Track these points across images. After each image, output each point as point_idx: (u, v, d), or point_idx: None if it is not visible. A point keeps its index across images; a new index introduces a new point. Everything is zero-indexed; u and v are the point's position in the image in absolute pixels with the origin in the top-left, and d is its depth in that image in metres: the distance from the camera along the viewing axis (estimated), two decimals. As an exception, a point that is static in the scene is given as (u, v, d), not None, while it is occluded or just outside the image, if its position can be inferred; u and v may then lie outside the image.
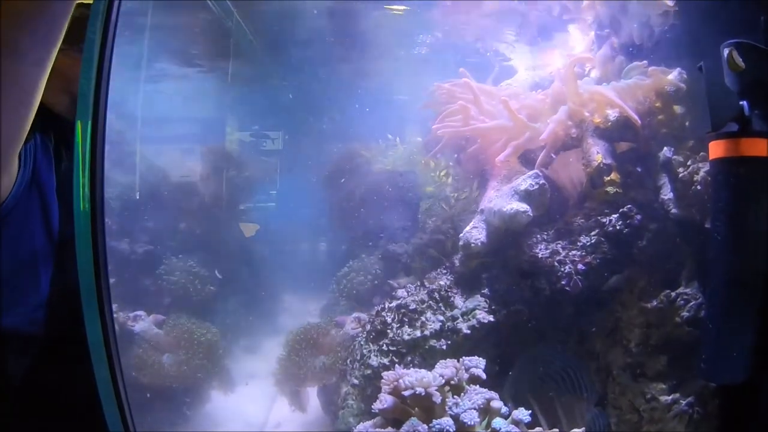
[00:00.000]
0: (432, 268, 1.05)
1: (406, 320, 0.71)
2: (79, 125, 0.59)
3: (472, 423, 0.62)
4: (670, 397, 0.82)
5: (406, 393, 0.59)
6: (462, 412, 0.62)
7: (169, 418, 0.91)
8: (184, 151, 1.40)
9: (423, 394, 0.61)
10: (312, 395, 1.03)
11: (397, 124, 1.29)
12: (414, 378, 0.61)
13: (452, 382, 0.64)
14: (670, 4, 0.87)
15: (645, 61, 0.86)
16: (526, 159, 0.89)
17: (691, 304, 0.81)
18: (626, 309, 0.80)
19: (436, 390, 0.61)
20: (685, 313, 0.80)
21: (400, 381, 0.62)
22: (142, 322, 0.98)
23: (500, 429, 0.65)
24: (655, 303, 0.79)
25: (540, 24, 0.95)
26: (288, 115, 1.44)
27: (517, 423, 0.65)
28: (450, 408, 0.63)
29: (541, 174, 0.72)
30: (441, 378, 0.62)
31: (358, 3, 1.16)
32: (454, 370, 0.64)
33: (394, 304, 0.76)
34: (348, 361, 0.76)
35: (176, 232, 1.17)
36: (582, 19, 0.87)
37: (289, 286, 1.29)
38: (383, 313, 0.76)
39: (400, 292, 0.78)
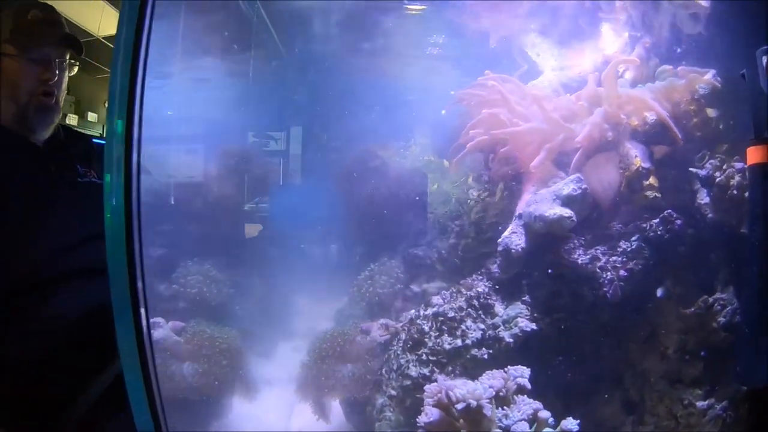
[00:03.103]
0: (458, 272, 1.05)
1: (446, 329, 0.71)
2: (115, 125, 0.57)
3: (524, 434, 0.62)
4: (706, 403, 0.83)
5: (459, 406, 0.59)
6: (513, 424, 0.62)
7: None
8: (192, 151, 1.37)
9: (474, 406, 0.60)
10: (334, 404, 1.02)
11: (414, 124, 1.28)
12: (465, 390, 0.60)
13: (500, 394, 0.64)
14: (705, 4, 0.87)
15: (681, 67, 0.87)
16: (558, 161, 0.89)
17: (727, 309, 0.82)
18: (663, 315, 0.81)
19: (487, 402, 0.61)
20: (721, 319, 0.81)
21: (449, 393, 0.62)
22: (161, 330, 0.96)
23: (551, 439, 0.65)
24: (693, 309, 0.80)
25: (569, 23, 0.95)
26: (304, 114, 1.42)
27: (566, 433, 0.65)
28: (500, 420, 0.62)
29: (582, 178, 0.72)
30: (491, 390, 0.61)
31: (376, 2, 1.14)
32: (502, 381, 0.64)
33: (429, 311, 0.75)
34: (383, 371, 0.75)
35: (189, 235, 1.15)
36: (615, 19, 0.86)
37: (306, 290, 1.27)
38: (418, 321, 0.75)
39: (435, 299, 0.77)
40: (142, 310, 0.56)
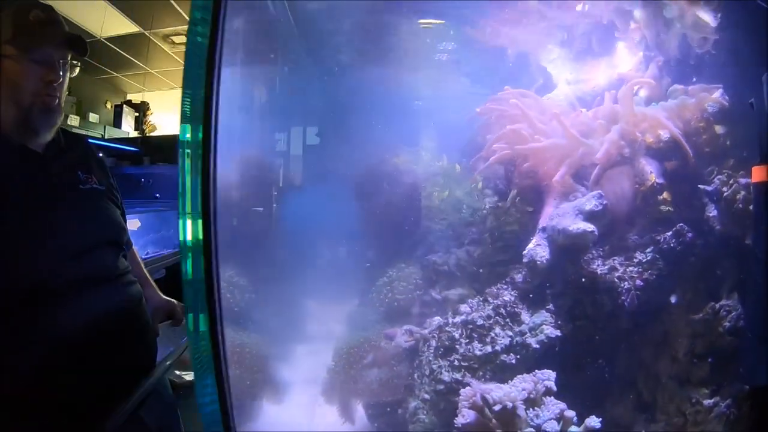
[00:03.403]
0: (477, 280, 1.09)
1: (476, 336, 0.75)
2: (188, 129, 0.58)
3: (554, 433, 0.67)
4: (712, 401, 0.89)
5: (496, 408, 0.63)
6: (543, 423, 0.67)
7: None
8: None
9: (510, 407, 0.65)
10: (359, 407, 1.06)
11: (428, 132, 1.31)
12: (502, 393, 0.65)
13: (531, 396, 0.69)
14: (713, 25, 0.92)
15: (692, 86, 0.92)
16: (576, 174, 0.94)
17: (732, 314, 0.88)
18: (674, 321, 0.87)
19: (521, 403, 0.65)
20: (726, 323, 0.87)
21: (486, 396, 0.66)
22: (190, 337, 0.99)
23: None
24: (701, 315, 0.86)
25: (583, 40, 0.99)
26: (318, 119, 1.45)
27: (590, 431, 0.70)
28: (531, 420, 0.67)
29: (603, 195, 0.77)
30: (524, 392, 0.66)
31: (392, 17, 1.17)
32: (532, 384, 0.69)
33: (458, 319, 0.79)
34: (415, 376, 0.79)
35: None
36: (629, 38, 0.91)
37: (324, 295, 1.30)
38: (447, 329, 0.80)
39: (463, 308, 0.81)
40: (219, 320, 0.57)
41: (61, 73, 1.12)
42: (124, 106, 6.38)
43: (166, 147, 4.09)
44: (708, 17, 0.92)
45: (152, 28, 4.61)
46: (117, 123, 6.07)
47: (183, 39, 5.40)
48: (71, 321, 1.04)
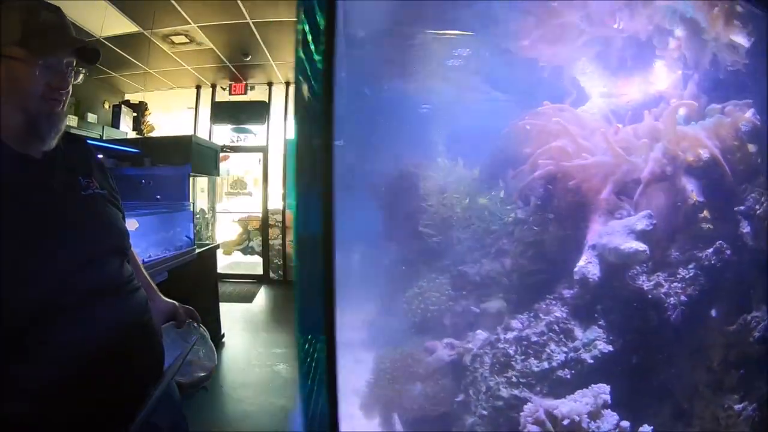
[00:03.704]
0: (514, 291, 1.11)
1: (531, 352, 0.77)
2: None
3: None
4: (741, 405, 0.95)
5: (565, 422, 0.65)
6: None
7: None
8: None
9: (577, 421, 0.67)
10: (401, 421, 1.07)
11: (458, 145, 1.32)
12: (569, 408, 0.67)
13: (591, 409, 0.71)
14: (746, 45, 0.95)
15: (728, 107, 0.95)
16: (619, 191, 0.96)
17: (761, 325, 0.93)
18: (711, 333, 0.91)
19: (586, 416, 0.68)
20: (756, 333, 0.92)
21: (555, 411, 0.68)
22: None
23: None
24: (734, 326, 0.90)
25: (618, 54, 1.02)
26: (345, 128, 1.43)
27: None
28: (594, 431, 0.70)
29: (653, 214, 0.80)
30: (588, 406, 0.68)
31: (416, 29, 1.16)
32: (593, 398, 0.71)
33: (510, 335, 0.81)
34: (470, 392, 0.80)
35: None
36: (668, 56, 0.94)
37: (356, 304, 1.30)
38: (500, 345, 0.81)
39: (515, 324, 0.83)
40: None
41: (69, 80, 1.09)
42: (123, 106, 6.24)
43: (168, 148, 3.99)
44: (741, 39, 0.95)
45: (152, 28, 4.47)
46: (115, 123, 5.96)
47: (183, 39, 5.27)
48: (82, 336, 1.02)
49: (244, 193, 7.87)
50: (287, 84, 7.59)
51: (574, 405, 0.67)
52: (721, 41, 0.95)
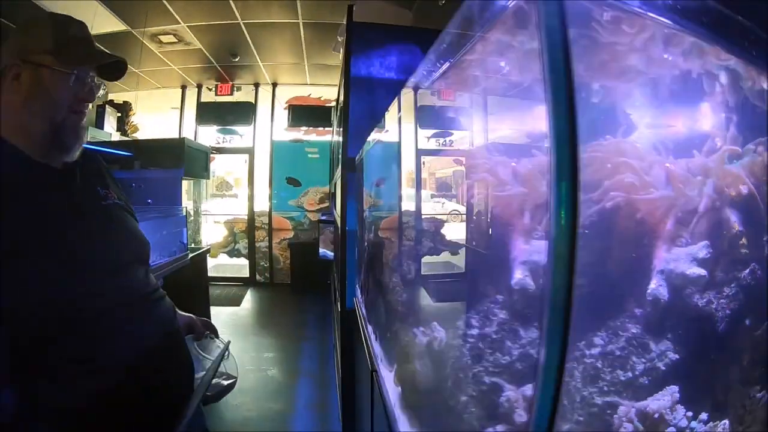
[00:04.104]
0: (592, 311, 1.25)
1: (617, 364, 0.91)
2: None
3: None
4: (761, 394, 1.15)
5: (656, 416, 0.81)
6: (678, 421, 0.86)
7: None
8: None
9: (662, 414, 0.83)
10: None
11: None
12: (658, 405, 0.83)
13: (669, 405, 0.87)
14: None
15: (760, 147, 1.11)
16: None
17: None
18: (743, 338, 1.10)
19: (668, 410, 0.84)
20: None
21: (646, 410, 0.83)
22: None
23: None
24: (759, 331, 1.09)
25: (666, 88, 1.15)
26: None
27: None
28: (671, 421, 0.86)
29: (710, 244, 0.95)
30: (668, 402, 0.84)
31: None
32: (669, 396, 0.87)
33: (594, 351, 0.95)
34: (565, 402, 0.94)
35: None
36: (714, 98, 1.08)
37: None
38: (586, 360, 0.95)
39: (597, 340, 0.97)
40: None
41: (95, 93, 1.12)
42: (107, 106, 5.92)
43: (159, 151, 3.88)
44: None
45: (141, 27, 4.27)
46: (99, 124, 5.69)
47: (171, 39, 5.11)
48: (115, 346, 1.04)
49: (230, 194, 7.79)
50: (274, 85, 7.50)
51: (659, 403, 0.82)
52: (755, 88, 1.11)
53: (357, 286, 2.63)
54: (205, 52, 6.00)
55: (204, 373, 1.34)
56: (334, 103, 7.96)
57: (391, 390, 1.31)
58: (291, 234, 7.85)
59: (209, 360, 1.42)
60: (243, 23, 5.06)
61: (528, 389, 0.90)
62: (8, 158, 0.99)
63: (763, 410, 1.21)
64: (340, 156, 3.67)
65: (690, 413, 0.88)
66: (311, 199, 8.11)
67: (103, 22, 4.44)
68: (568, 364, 1.02)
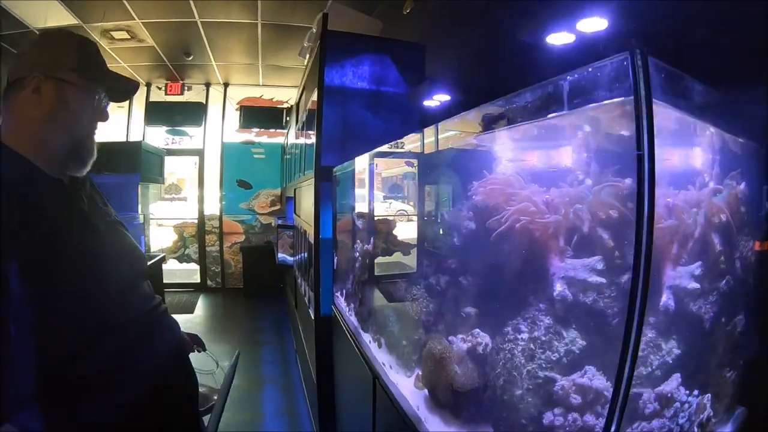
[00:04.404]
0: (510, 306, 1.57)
1: (546, 347, 1.19)
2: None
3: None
4: (729, 374, 1.24)
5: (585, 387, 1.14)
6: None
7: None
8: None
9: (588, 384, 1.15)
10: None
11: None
12: (582, 380, 1.13)
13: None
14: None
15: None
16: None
17: (740, 324, 1.26)
18: (718, 333, 1.20)
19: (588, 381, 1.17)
20: (738, 329, 1.26)
21: (578, 381, 1.14)
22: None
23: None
24: (729, 327, 1.23)
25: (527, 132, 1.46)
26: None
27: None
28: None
29: (602, 258, 1.27)
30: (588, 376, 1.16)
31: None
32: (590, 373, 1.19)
33: (524, 336, 1.25)
34: (515, 374, 1.22)
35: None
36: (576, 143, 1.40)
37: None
38: (521, 343, 1.27)
39: (522, 327, 1.25)
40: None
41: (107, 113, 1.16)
42: None
43: (113, 154, 3.73)
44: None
45: (94, 22, 4.09)
46: None
47: (124, 35, 4.94)
48: (141, 358, 1.10)
49: (179, 198, 7.49)
50: (226, 85, 7.36)
51: (582, 379, 1.04)
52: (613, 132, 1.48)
53: (338, 294, 2.66)
54: (158, 49, 5.84)
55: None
56: (286, 105, 8.03)
57: (411, 393, 1.41)
58: (242, 238, 7.78)
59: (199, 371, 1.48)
60: (200, 21, 5.02)
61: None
62: (24, 172, 0.98)
63: (729, 387, 1.39)
64: (303, 162, 3.76)
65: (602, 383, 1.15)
66: (262, 202, 8.09)
67: (55, 16, 4.24)
68: (507, 345, 1.34)
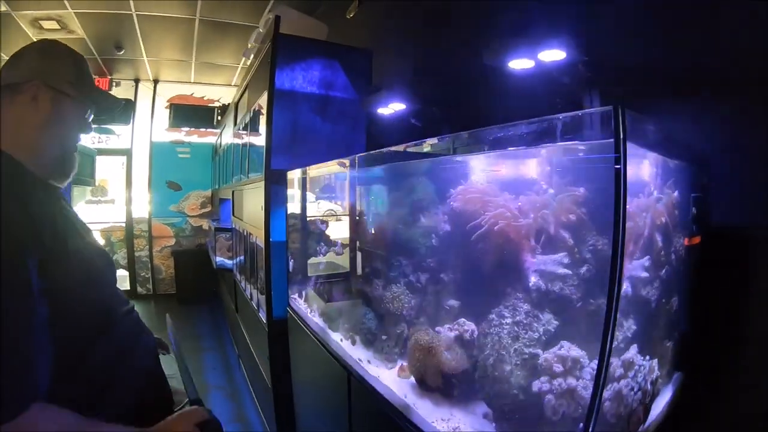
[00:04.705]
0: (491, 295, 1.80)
1: (528, 329, 1.46)
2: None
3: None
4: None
5: (572, 356, 1.38)
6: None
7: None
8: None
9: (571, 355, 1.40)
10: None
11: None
12: (564, 352, 1.39)
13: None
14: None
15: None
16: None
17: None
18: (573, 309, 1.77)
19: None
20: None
21: (560, 352, 1.39)
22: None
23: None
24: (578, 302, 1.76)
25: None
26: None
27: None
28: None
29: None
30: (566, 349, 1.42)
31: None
32: (567, 347, 1.46)
33: (508, 320, 1.49)
34: (503, 353, 1.45)
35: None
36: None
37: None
38: (506, 326, 1.50)
39: (505, 313, 1.51)
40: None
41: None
42: None
43: None
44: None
45: (23, 10, 3.63)
46: None
47: (54, 25, 4.48)
48: (132, 355, 1.15)
49: (107, 200, 6.85)
50: (156, 82, 6.91)
51: (562, 352, 1.30)
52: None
53: (295, 296, 2.68)
54: (88, 42, 5.37)
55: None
56: (218, 104, 7.73)
57: (395, 383, 1.55)
58: (173, 241, 7.39)
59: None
60: (136, 15, 4.73)
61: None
62: (27, 176, 1.03)
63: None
64: (248, 164, 3.69)
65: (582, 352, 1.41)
66: (193, 204, 7.76)
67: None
68: (493, 329, 1.56)
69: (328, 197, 2.73)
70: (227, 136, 5.15)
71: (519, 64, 2.04)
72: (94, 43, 5.47)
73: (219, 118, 7.45)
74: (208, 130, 7.59)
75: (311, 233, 2.57)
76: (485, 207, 1.65)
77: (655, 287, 1.30)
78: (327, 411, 2.06)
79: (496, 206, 1.60)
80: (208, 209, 7.60)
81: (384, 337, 1.77)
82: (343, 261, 2.35)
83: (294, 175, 2.68)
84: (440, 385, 1.52)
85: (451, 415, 1.38)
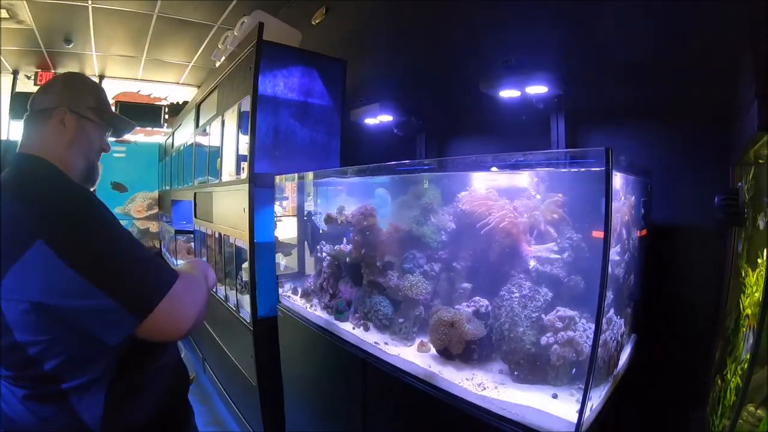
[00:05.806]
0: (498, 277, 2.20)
1: (533, 301, 1.89)
2: None
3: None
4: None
5: (565, 316, 1.81)
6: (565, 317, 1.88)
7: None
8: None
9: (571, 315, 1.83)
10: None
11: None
12: (563, 313, 1.82)
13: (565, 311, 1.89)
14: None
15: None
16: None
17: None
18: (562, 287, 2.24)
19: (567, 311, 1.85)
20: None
21: (560, 312, 1.82)
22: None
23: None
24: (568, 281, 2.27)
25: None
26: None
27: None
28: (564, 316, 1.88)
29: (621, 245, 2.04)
30: (563, 311, 1.85)
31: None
32: (563, 311, 1.89)
33: (516, 295, 1.91)
34: (515, 318, 1.85)
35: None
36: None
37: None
38: (516, 299, 1.90)
39: (514, 289, 1.93)
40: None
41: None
42: None
43: None
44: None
45: None
46: None
47: (2, 14, 4.02)
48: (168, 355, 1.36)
49: None
50: (101, 78, 6.52)
51: (565, 313, 1.75)
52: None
53: (290, 294, 2.77)
54: (37, 33, 4.96)
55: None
56: (164, 102, 7.48)
57: (416, 357, 1.79)
58: (118, 246, 6.91)
59: None
60: (92, 7, 4.53)
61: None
62: (66, 177, 1.20)
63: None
64: (220, 165, 3.70)
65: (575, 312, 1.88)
66: (139, 206, 7.42)
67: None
68: (505, 302, 1.97)
69: (333, 200, 2.89)
70: (184, 136, 4.99)
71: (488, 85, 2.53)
72: (43, 35, 5.11)
73: (167, 117, 7.18)
74: (155, 129, 7.28)
75: (314, 232, 2.66)
76: (490, 209, 2.06)
77: (622, 267, 1.62)
78: (335, 397, 2.17)
79: (499, 208, 2.02)
80: (155, 211, 7.27)
81: (401, 320, 2.01)
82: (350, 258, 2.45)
83: (291, 179, 2.80)
84: (461, 352, 1.85)
85: (473, 374, 1.65)
